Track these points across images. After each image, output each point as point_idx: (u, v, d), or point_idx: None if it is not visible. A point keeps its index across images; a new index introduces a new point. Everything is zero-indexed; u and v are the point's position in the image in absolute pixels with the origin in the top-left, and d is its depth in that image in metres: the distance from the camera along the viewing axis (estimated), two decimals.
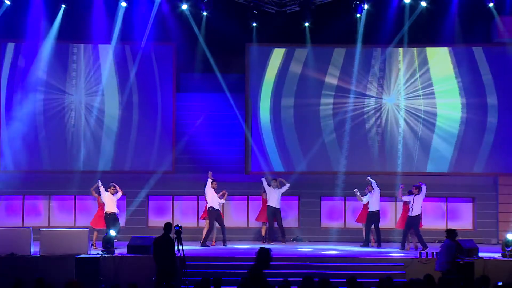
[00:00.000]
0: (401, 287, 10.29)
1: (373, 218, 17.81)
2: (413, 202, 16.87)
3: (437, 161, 19.64)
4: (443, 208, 19.89)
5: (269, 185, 18.72)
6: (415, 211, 16.89)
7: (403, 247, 17.00)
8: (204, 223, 18.24)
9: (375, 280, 11.28)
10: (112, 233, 15.87)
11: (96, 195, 17.60)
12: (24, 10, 19.23)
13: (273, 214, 18.64)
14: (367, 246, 17.76)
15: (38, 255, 15.27)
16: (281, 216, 18.79)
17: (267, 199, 18.73)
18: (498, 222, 19.57)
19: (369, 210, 17.84)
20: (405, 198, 17.23)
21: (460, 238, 16.36)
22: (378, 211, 17.85)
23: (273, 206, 18.63)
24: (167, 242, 13.01)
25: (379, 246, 17.68)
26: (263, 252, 7.50)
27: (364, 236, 18.03)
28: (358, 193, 18.08)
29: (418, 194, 16.89)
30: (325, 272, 13.83)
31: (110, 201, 17.25)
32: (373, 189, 17.82)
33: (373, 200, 17.79)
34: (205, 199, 18.11)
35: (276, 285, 10.38)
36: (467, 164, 19.61)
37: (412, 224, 16.91)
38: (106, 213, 17.20)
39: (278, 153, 19.87)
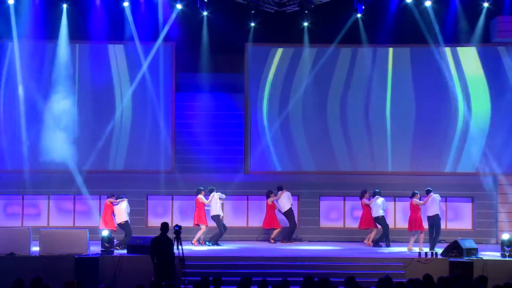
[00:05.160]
0: (400, 287, 10.28)
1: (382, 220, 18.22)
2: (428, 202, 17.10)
3: (439, 160, 19.66)
4: (443, 208, 19.85)
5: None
6: (431, 211, 17.04)
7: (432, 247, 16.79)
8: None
9: (375, 280, 11.28)
10: (105, 233, 15.86)
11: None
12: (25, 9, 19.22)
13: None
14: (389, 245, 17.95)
15: (38, 255, 15.27)
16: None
17: (272, 204, 18.81)
18: (497, 222, 19.57)
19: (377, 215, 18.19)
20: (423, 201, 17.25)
21: (460, 237, 16.38)
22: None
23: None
24: (164, 242, 13.03)
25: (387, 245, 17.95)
26: None
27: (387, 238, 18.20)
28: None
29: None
30: (325, 272, 13.84)
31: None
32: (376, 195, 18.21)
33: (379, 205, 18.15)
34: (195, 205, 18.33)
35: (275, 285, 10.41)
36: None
37: (429, 223, 17.08)
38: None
39: (277, 153, 19.86)
